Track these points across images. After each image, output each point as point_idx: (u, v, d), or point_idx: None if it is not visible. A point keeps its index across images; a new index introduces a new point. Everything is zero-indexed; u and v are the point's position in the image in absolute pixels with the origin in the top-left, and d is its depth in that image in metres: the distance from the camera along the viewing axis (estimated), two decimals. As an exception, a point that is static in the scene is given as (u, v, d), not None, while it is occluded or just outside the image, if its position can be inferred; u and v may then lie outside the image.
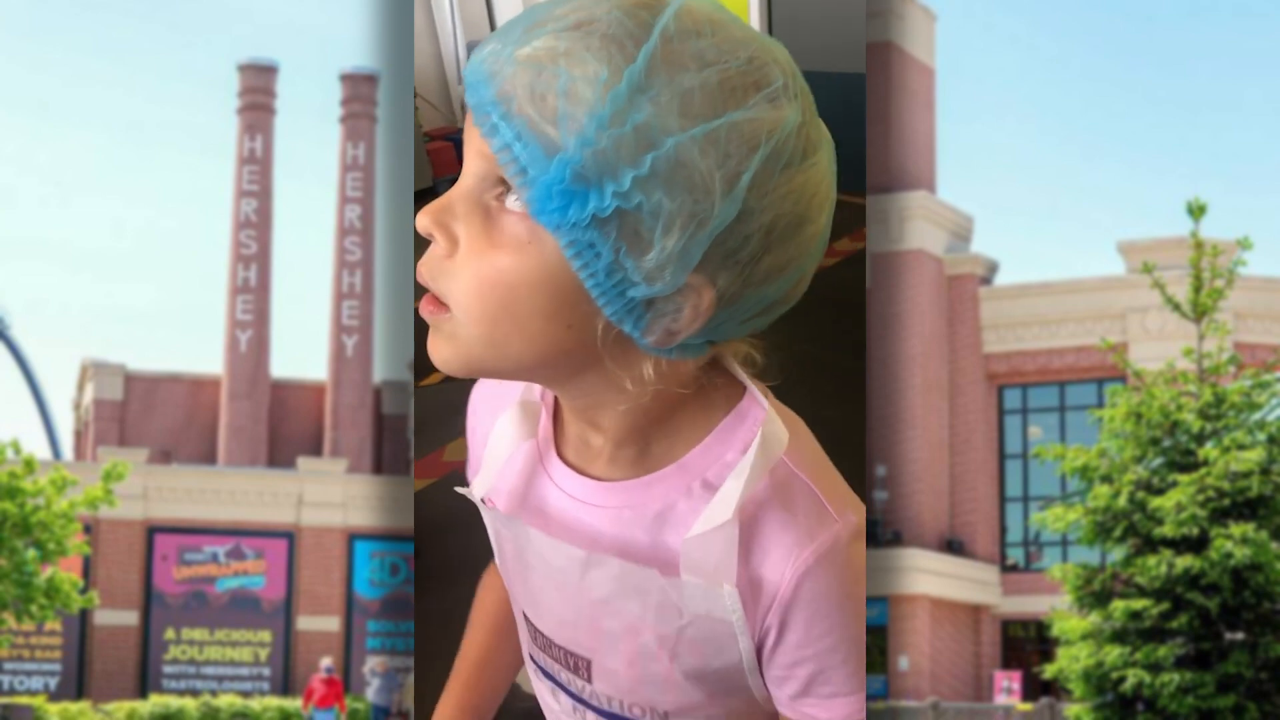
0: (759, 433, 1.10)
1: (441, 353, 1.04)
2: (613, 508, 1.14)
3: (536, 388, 1.24)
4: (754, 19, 11.26)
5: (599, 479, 1.16)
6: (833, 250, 7.47)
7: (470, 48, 15.09)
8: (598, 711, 1.28)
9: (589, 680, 1.25)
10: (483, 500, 1.25)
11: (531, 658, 1.35)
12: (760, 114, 0.94)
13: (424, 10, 14.93)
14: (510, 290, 0.97)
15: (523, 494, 1.22)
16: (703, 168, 0.92)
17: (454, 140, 14.45)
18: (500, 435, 1.23)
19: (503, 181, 0.96)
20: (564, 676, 1.29)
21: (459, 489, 1.27)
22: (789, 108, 0.96)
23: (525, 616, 1.31)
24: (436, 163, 14.09)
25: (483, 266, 0.98)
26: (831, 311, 6.42)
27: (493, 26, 14.18)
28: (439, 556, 5.31)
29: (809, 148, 0.98)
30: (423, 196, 13.99)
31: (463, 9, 14.14)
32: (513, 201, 0.96)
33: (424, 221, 1.00)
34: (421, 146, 14.01)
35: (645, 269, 0.94)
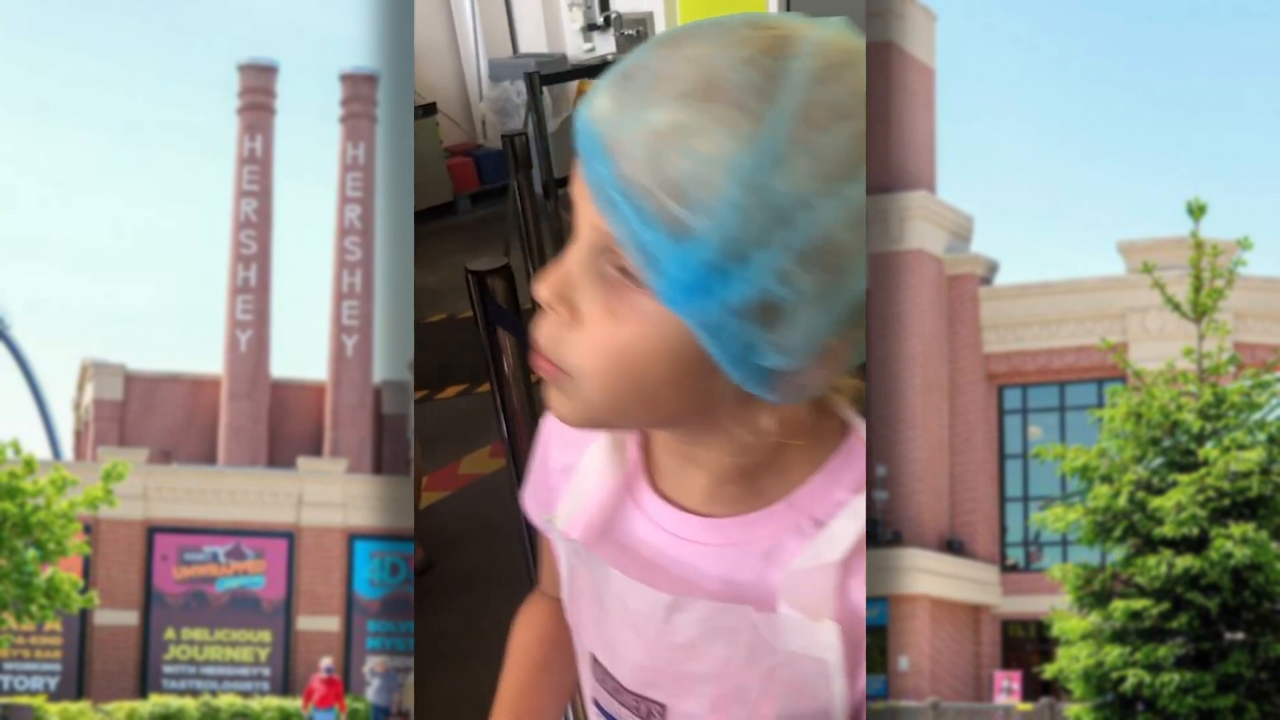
0: (854, 479, 1.09)
1: (562, 409, 1.02)
2: (716, 545, 1.10)
3: None
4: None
5: (699, 514, 1.12)
6: None
7: (492, 64, 15.08)
8: None
9: None
10: (563, 534, 1.22)
11: (596, 702, 1.30)
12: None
13: (445, 23, 14.95)
14: (635, 362, 0.95)
15: (605, 527, 1.18)
16: (846, 242, 0.86)
17: (474, 156, 14.46)
18: (589, 469, 1.20)
19: (613, 254, 0.94)
20: None
21: (542, 518, 1.24)
22: None
23: (595, 659, 1.25)
24: (457, 178, 14.12)
25: (607, 339, 0.95)
26: None
27: (514, 41, 14.13)
28: (449, 570, 5.30)
29: None
30: (440, 212, 14.00)
31: (485, 24, 14.16)
32: (623, 276, 0.94)
33: (546, 294, 0.98)
34: (441, 161, 14.03)
35: (782, 346, 0.90)
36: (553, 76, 10.18)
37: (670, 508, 1.13)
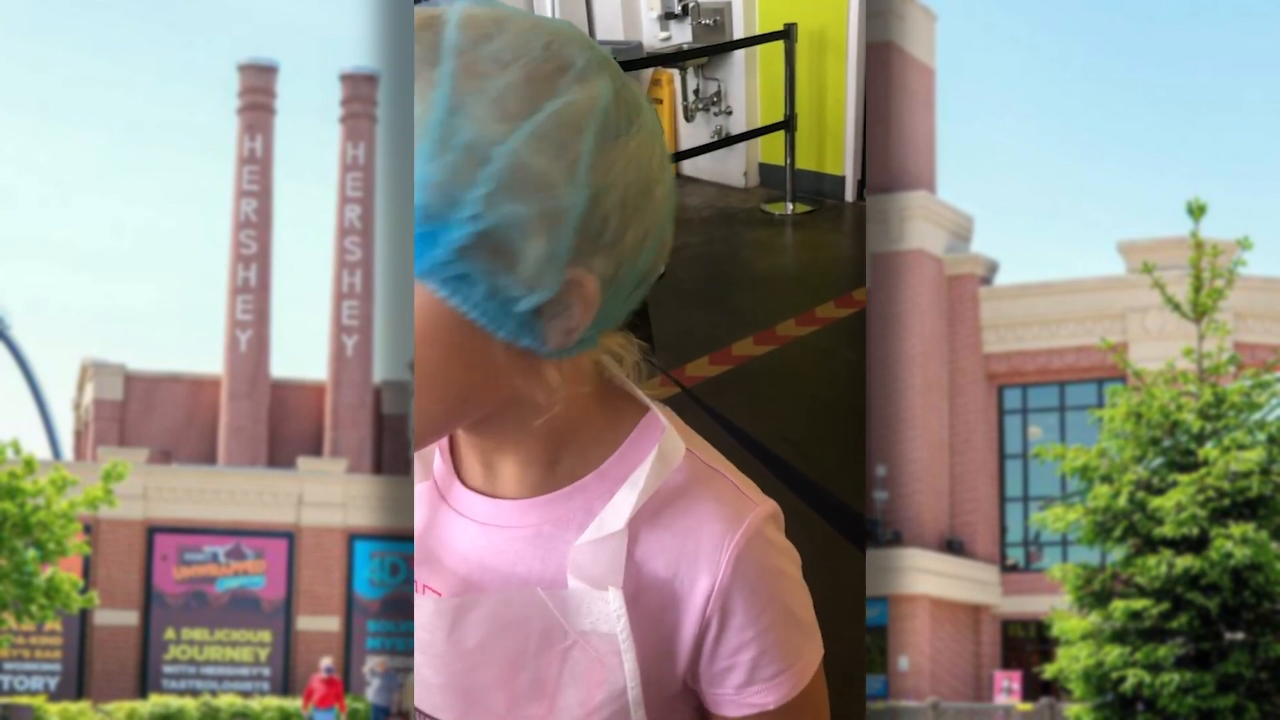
0: (656, 445, 1.09)
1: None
2: (531, 525, 1.12)
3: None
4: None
5: (509, 499, 1.13)
6: (849, 299, 7.46)
7: None
8: None
9: None
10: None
11: None
12: (575, 96, 0.94)
13: (524, 8, 14.95)
14: (420, 352, 0.97)
15: (432, 539, 1.18)
16: (540, 165, 0.92)
17: None
18: (419, 486, 1.21)
19: None
20: None
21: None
22: (599, 81, 0.96)
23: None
24: None
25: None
26: (834, 366, 6.41)
27: (591, 28, 14.07)
28: None
29: (631, 112, 0.98)
30: None
31: (564, 10, 14.09)
32: None
33: None
34: None
35: (522, 279, 0.94)
36: (628, 64, 10.16)
37: (481, 497, 1.15)
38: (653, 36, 12.99)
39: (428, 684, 1.17)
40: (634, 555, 1.08)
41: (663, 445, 1.09)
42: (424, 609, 1.13)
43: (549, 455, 1.10)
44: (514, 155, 0.91)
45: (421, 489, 1.20)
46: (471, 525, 1.14)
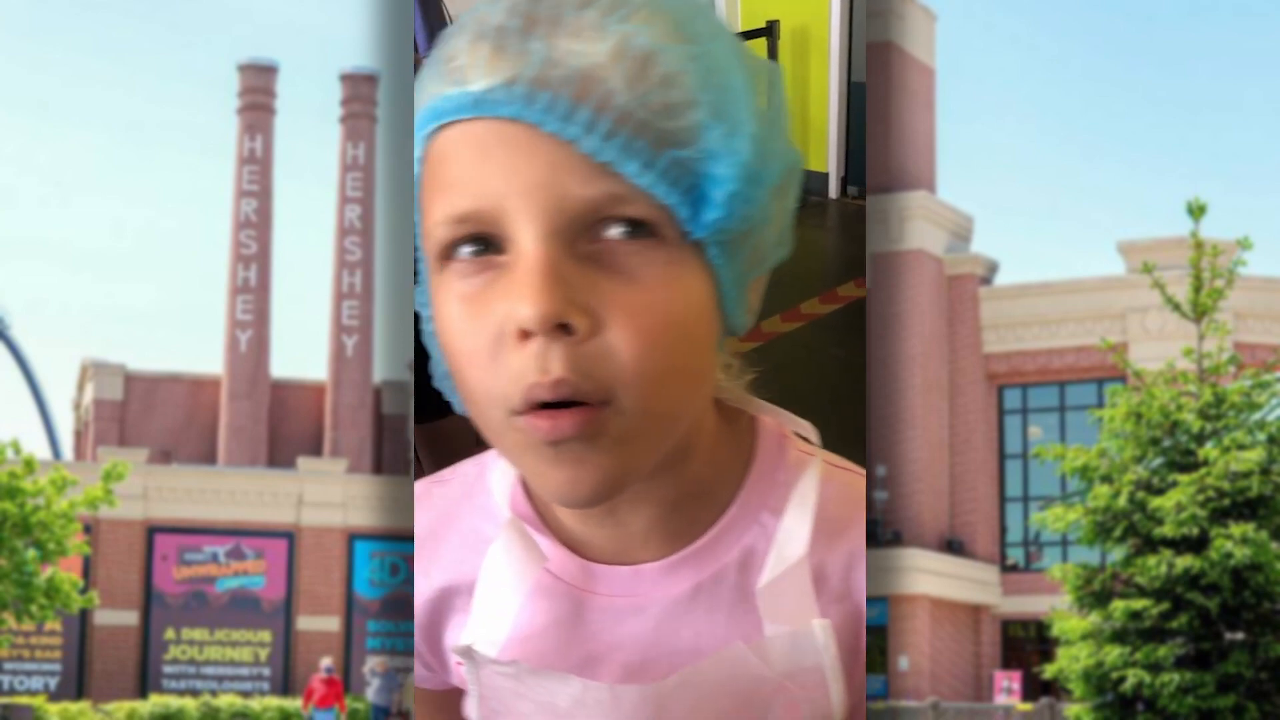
0: (788, 449, 0.98)
1: (584, 473, 0.82)
2: (684, 586, 0.96)
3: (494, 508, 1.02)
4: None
5: (651, 561, 0.96)
6: (834, 296, 7.46)
7: None
8: None
9: None
10: (493, 661, 0.98)
11: None
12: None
13: None
14: (677, 330, 0.81)
15: (552, 631, 0.98)
16: (785, 127, 0.87)
17: None
18: (501, 570, 0.99)
19: (599, 223, 0.80)
20: None
21: (456, 650, 0.98)
22: None
23: None
24: None
25: (647, 316, 0.80)
26: (822, 363, 6.40)
27: None
28: None
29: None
30: None
31: None
32: (616, 232, 0.80)
33: (554, 309, 0.79)
34: None
35: (782, 242, 0.86)
36: None
37: (617, 569, 0.96)
38: None
39: None
40: (821, 579, 0.97)
41: (795, 450, 0.98)
42: (618, 704, 0.93)
43: (691, 489, 0.94)
44: (775, 114, 0.85)
45: (535, 575, 0.97)
46: (614, 602, 0.96)
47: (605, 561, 0.95)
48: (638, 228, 0.79)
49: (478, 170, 0.80)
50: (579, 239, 0.79)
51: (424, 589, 1.02)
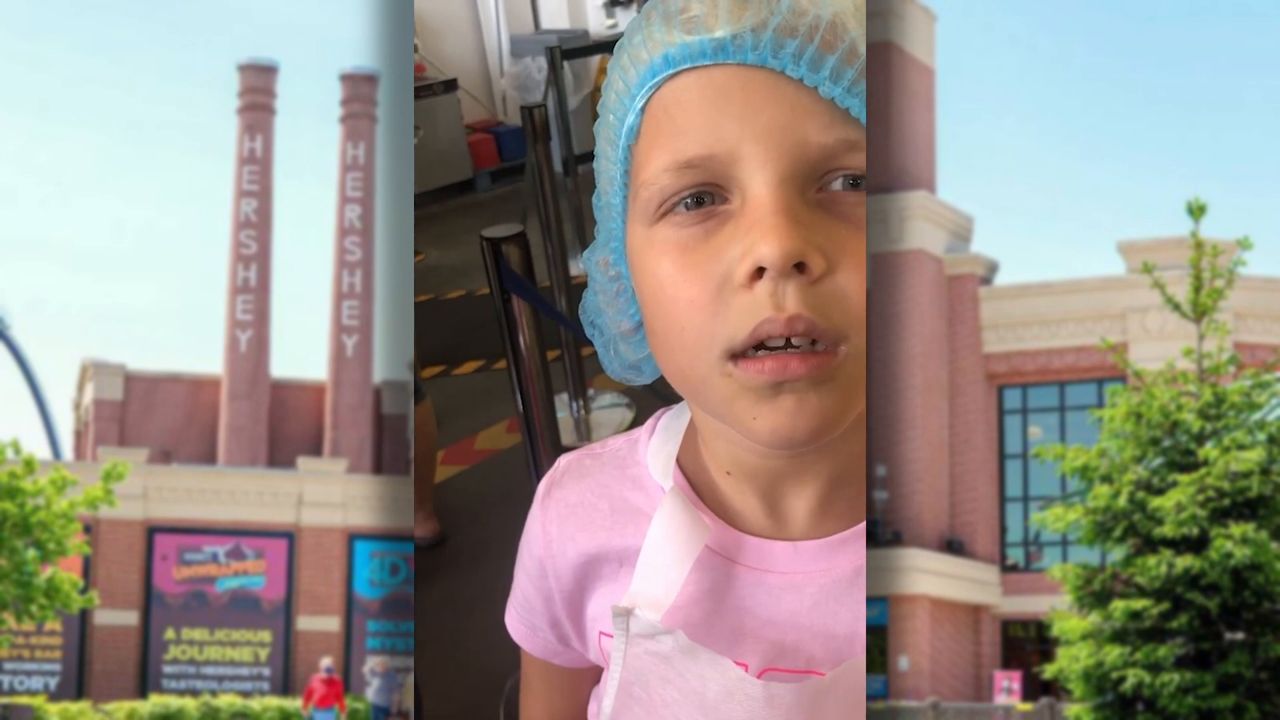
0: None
1: (820, 408, 0.79)
2: (852, 565, 0.92)
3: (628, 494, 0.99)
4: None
5: (811, 539, 0.92)
6: None
7: (514, 40, 15.03)
8: None
9: None
10: (649, 627, 0.93)
11: None
12: None
13: (467, 1, 14.97)
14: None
15: (698, 602, 0.94)
16: None
17: (494, 133, 14.41)
18: (664, 539, 0.94)
19: (830, 172, 0.80)
20: None
21: (616, 612, 0.93)
22: None
23: None
24: (477, 155, 14.09)
25: (864, 267, 0.81)
26: None
27: (536, 17, 14.00)
28: (461, 545, 5.34)
29: None
30: (460, 189, 13.98)
31: (507, 1, 14.10)
32: (840, 184, 0.81)
33: (797, 247, 0.77)
34: (462, 138, 13.97)
35: None
36: (575, 51, 10.02)
37: (776, 544, 0.93)
38: (599, 24, 12.97)
39: None
40: None
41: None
42: (773, 695, 0.88)
43: (855, 466, 0.93)
44: None
45: (698, 544, 0.92)
46: (768, 577, 0.94)
47: (764, 537, 0.92)
48: (857, 182, 0.80)
49: (713, 116, 0.79)
50: (809, 186, 0.79)
51: (571, 555, 1.01)
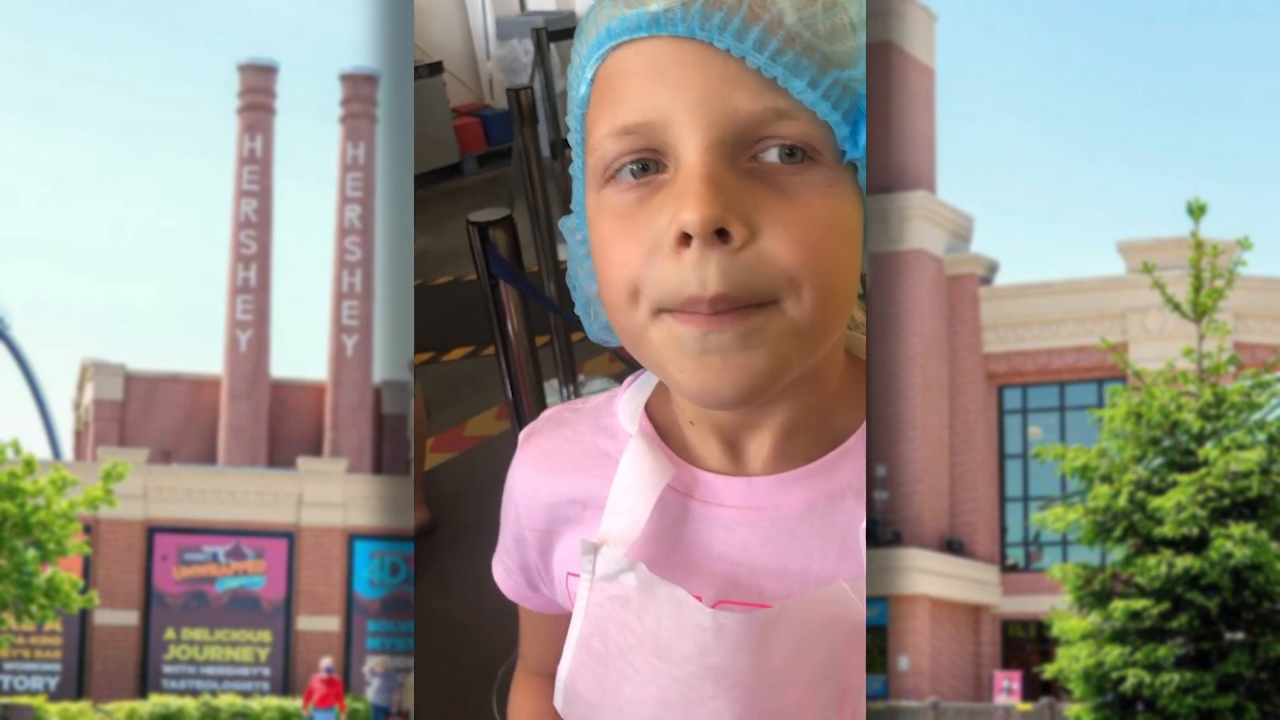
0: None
1: (747, 366, 0.82)
2: (798, 503, 0.95)
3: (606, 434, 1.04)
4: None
5: (769, 475, 0.96)
6: None
7: (500, 23, 14.96)
8: None
9: None
10: (614, 563, 0.97)
11: None
12: None
13: None
14: (835, 249, 0.83)
15: (659, 538, 0.98)
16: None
17: (481, 116, 14.31)
18: (629, 477, 0.99)
19: (760, 141, 0.83)
20: None
21: (584, 551, 0.97)
22: None
23: None
24: (463, 139, 13.97)
25: (804, 229, 0.82)
26: None
27: (522, 2, 13.94)
28: (453, 532, 5.34)
29: None
30: (446, 174, 13.89)
31: None
32: (775, 155, 0.83)
33: (714, 214, 0.80)
34: (448, 122, 13.83)
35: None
36: (562, 33, 9.94)
37: (735, 478, 0.96)
38: (586, 4, 12.93)
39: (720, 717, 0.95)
40: None
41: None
42: (723, 628, 0.92)
43: (819, 417, 0.95)
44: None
45: (661, 482, 0.98)
46: (723, 512, 0.97)
47: (722, 474, 0.96)
48: (794, 153, 0.83)
49: (650, 84, 0.83)
50: (740, 154, 0.82)
51: (543, 497, 1.06)
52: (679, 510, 0.97)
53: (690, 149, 0.82)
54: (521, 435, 1.10)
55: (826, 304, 0.84)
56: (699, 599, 0.94)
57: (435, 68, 13.73)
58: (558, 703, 1.04)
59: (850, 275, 0.85)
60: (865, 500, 0.95)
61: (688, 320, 0.83)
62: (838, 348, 0.93)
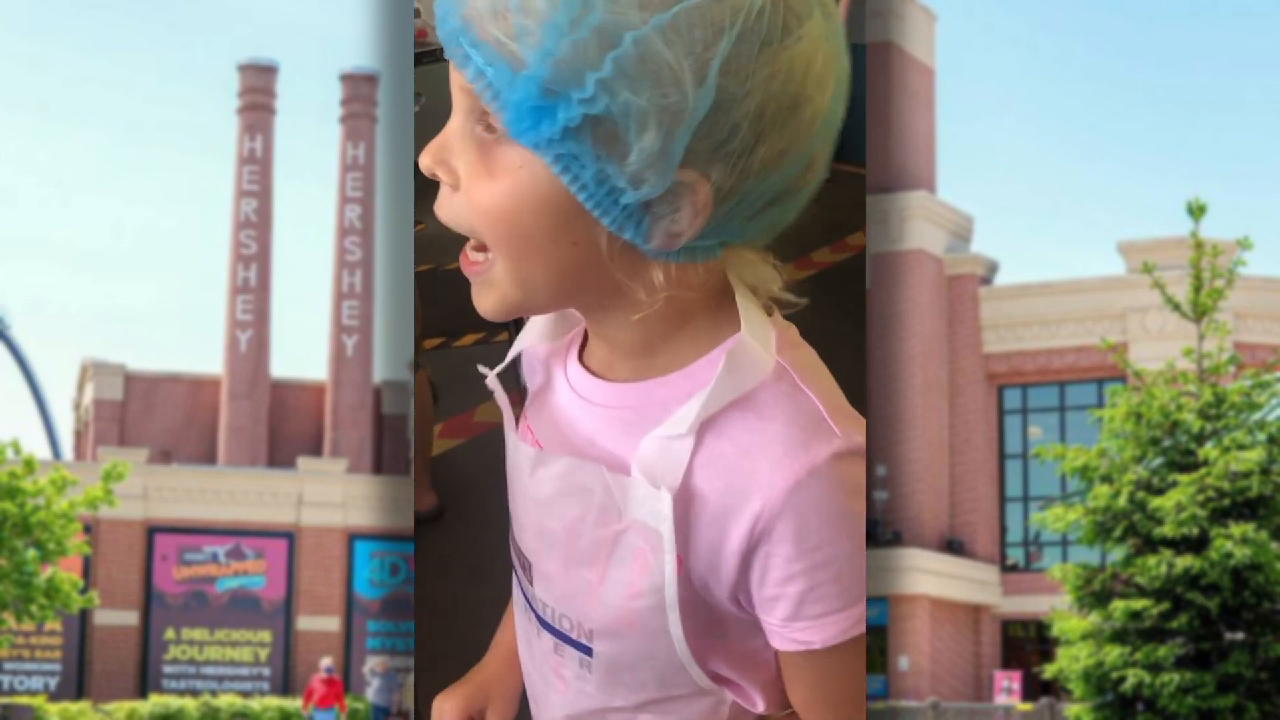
0: (725, 353, 1.09)
1: (483, 302, 1.08)
2: (614, 408, 1.17)
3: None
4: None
5: (604, 379, 1.18)
6: (843, 245, 7.44)
7: None
8: (536, 618, 1.29)
9: (531, 583, 1.27)
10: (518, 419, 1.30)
11: (515, 576, 1.37)
12: None
13: None
14: (514, 215, 1.00)
15: (541, 392, 1.26)
16: (669, 59, 0.92)
17: None
18: (530, 329, 1.28)
19: (481, 113, 0.99)
20: (523, 583, 1.31)
21: (483, 368, 1.33)
22: None
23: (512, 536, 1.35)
24: None
25: (484, 196, 1.00)
26: (834, 313, 6.42)
27: None
28: (460, 516, 5.33)
29: (790, 22, 0.94)
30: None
31: None
32: (486, 133, 1.00)
33: (425, 161, 1.02)
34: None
35: (629, 172, 0.95)
36: None
37: (587, 375, 1.19)
38: None
39: (517, 520, 1.26)
40: (695, 461, 1.08)
41: (732, 353, 1.08)
42: (521, 451, 1.22)
43: (646, 350, 1.13)
44: (644, 44, 0.92)
45: (536, 352, 1.29)
46: (572, 397, 1.21)
47: (599, 376, 1.19)
48: (494, 128, 0.99)
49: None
50: (476, 124, 1.00)
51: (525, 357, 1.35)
52: (556, 378, 1.24)
53: (453, 109, 1.03)
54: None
55: (513, 260, 1.03)
56: (538, 445, 1.22)
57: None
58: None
59: (542, 244, 1.02)
60: (662, 425, 1.13)
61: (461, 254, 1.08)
62: (628, 303, 1.08)
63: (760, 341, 1.10)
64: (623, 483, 1.12)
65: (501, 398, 1.30)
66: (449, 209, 1.04)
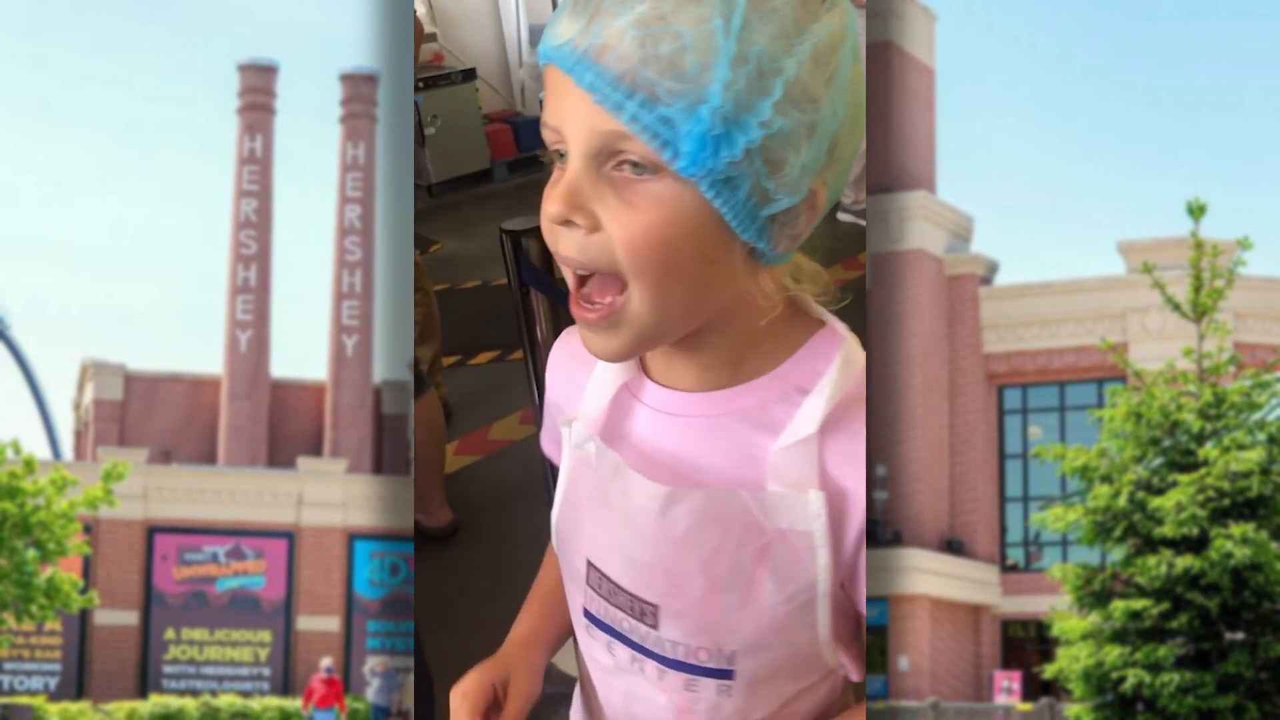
0: (839, 350, 1.16)
1: (613, 341, 1.09)
2: (707, 416, 1.19)
3: None
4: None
5: (691, 392, 1.22)
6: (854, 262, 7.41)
7: (533, 30, 15.03)
8: (660, 660, 1.28)
9: (655, 626, 1.26)
10: (579, 434, 1.29)
11: (586, 612, 1.36)
12: (834, 20, 1.04)
13: None
14: (668, 244, 1.03)
15: (616, 422, 1.27)
16: (812, 80, 1.02)
17: (512, 123, 14.40)
18: (600, 374, 1.29)
19: (616, 154, 1.03)
20: (626, 626, 1.29)
21: (562, 420, 1.31)
22: (846, 9, 1.06)
23: (591, 565, 1.32)
24: (494, 145, 14.05)
25: (633, 231, 1.03)
26: (834, 314, 6.41)
27: (556, 5, 14.02)
28: (473, 533, 5.33)
29: (858, 42, 1.07)
30: (480, 178, 13.98)
31: None
32: (630, 171, 1.03)
33: (558, 209, 1.05)
34: (479, 128, 13.96)
35: (785, 185, 1.03)
36: None
37: (667, 390, 1.23)
38: None
39: (635, 562, 1.25)
40: (825, 458, 1.15)
41: (845, 353, 1.16)
42: (641, 492, 1.20)
43: (736, 356, 1.18)
44: (797, 69, 1.00)
45: (619, 380, 1.28)
46: (653, 415, 1.24)
47: (667, 387, 1.23)
48: (641, 165, 1.02)
49: (553, 100, 1.06)
50: (603, 164, 1.03)
51: (559, 382, 1.42)
52: (629, 405, 1.25)
53: (572, 155, 1.04)
54: (564, 333, 1.42)
55: (657, 290, 1.05)
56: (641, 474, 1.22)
57: (469, 74, 13.88)
58: (554, 539, 1.39)
59: (692, 266, 1.05)
60: (778, 430, 1.16)
61: (575, 310, 1.09)
62: (747, 311, 1.12)
63: (857, 342, 1.20)
64: (761, 499, 1.15)
65: (606, 453, 1.24)
66: (587, 250, 1.06)
